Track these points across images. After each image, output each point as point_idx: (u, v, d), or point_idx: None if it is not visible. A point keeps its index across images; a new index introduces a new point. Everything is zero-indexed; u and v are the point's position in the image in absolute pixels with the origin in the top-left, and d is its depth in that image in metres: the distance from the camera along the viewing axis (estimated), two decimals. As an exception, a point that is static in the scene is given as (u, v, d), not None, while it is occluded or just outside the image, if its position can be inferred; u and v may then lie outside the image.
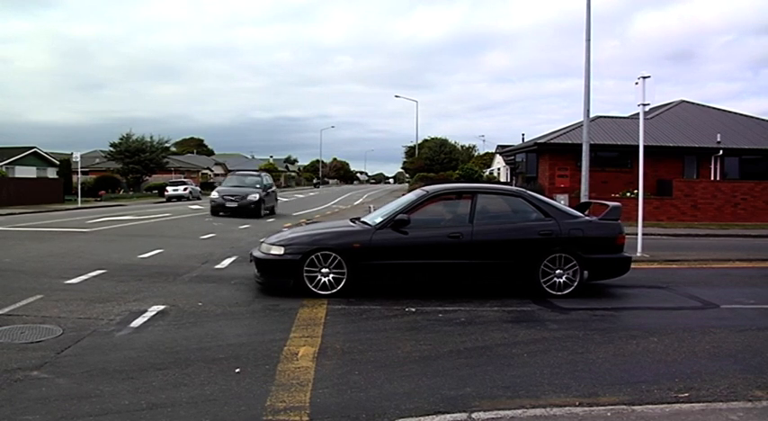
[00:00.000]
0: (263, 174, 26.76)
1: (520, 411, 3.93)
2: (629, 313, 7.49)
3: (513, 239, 7.88)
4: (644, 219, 13.23)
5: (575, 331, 6.24)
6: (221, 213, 22.45)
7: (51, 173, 43.18)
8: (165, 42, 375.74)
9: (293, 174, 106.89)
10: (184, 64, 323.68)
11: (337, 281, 7.56)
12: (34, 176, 40.71)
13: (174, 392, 4.27)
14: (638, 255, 11.86)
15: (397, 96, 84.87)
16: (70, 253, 11.28)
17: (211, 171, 76.32)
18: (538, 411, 3.93)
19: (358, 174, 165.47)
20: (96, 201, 37.39)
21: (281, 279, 7.68)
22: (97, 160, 59.21)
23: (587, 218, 8.42)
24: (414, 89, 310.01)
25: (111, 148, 51.26)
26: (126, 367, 4.78)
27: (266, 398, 4.20)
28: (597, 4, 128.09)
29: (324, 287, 7.55)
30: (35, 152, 43.72)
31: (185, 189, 42.21)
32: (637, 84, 12.36)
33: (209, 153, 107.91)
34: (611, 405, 4.09)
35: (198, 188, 46.97)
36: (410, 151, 73.16)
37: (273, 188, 26.10)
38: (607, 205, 8.51)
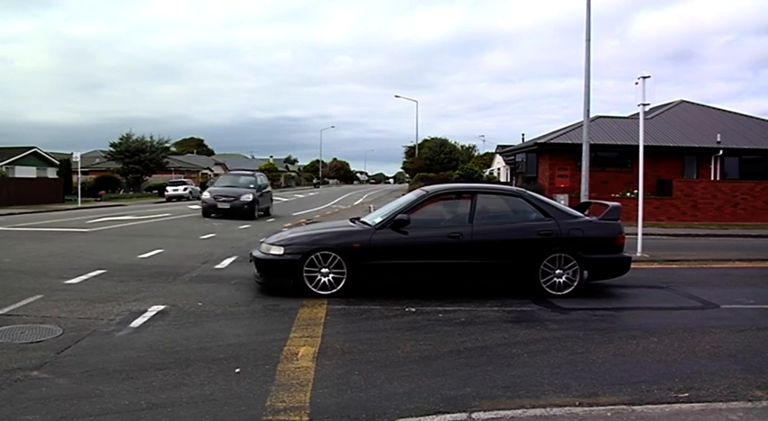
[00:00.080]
0: (257, 173, 25.59)
1: (520, 411, 3.93)
2: (629, 313, 7.49)
3: (512, 239, 7.88)
4: (644, 219, 13.23)
5: (575, 331, 6.25)
6: (213, 215, 21.55)
7: (51, 173, 43.19)
8: (165, 42, 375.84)
9: (293, 174, 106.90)
10: (184, 64, 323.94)
11: (337, 281, 7.56)
12: (34, 176, 40.72)
13: (174, 392, 4.27)
14: (638, 255, 11.86)
15: (397, 96, 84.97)
16: (70, 253, 11.29)
17: (211, 171, 76.29)
18: (538, 411, 3.93)
19: (358, 174, 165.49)
20: (96, 201, 37.41)
21: (281, 279, 7.68)
22: (97, 160, 59.23)
23: (587, 218, 8.42)
24: (414, 89, 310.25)
25: (111, 148, 51.30)
26: (126, 367, 4.78)
27: (266, 398, 4.20)
28: (597, 4, 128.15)
29: (324, 287, 7.55)
30: (35, 152, 43.74)
31: (185, 189, 42.22)
32: (637, 84, 12.36)
33: (209, 153, 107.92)
34: (611, 405, 4.09)
35: (198, 188, 46.89)
36: (410, 151, 73.20)
37: (268, 188, 25.25)
38: (607, 205, 8.51)
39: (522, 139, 41.06)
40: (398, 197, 11.09)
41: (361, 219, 8.67)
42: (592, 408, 4.01)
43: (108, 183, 48.00)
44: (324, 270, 7.56)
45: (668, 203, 24.08)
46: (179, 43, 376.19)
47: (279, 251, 7.70)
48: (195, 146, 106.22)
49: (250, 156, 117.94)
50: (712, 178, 26.02)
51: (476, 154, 73.59)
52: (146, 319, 6.29)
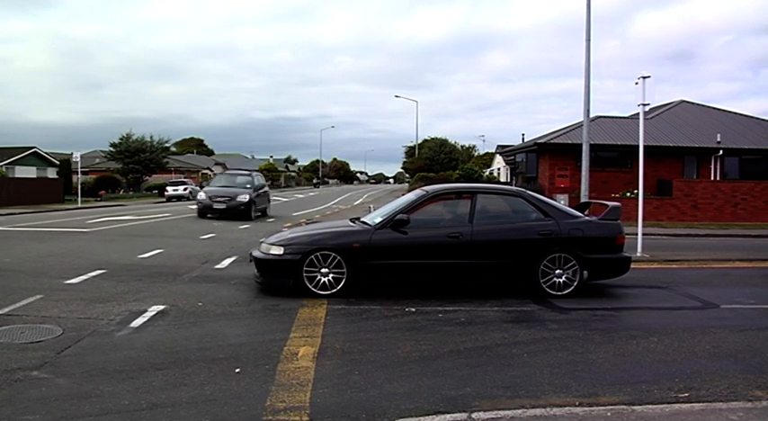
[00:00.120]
0: (254, 173, 24.89)
1: (520, 411, 3.93)
2: (629, 313, 7.49)
3: (512, 239, 7.88)
4: (644, 219, 13.23)
5: (575, 331, 6.25)
6: (209, 215, 20.93)
7: (51, 173, 43.19)
8: (165, 42, 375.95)
9: (293, 174, 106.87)
10: (184, 64, 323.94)
11: (337, 281, 7.56)
12: (34, 176, 40.72)
13: (174, 392, 4.27)
14: (638, 255, 11.86)
15: (397, 96, 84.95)
16: (70, 253, 11.28)
17: (211, 171, 76.25)
18: (538, 411, 3.93)
19: (358, 174, 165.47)
20: (96, 201, 37.41)
21: (281, 279, 7.68)
22: (97, 160, 59.24)
23: (587, 218, 8.42)
24: (414, 89, 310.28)
25: (111, 148, 51.28)
26: (126, 367, 4.78)
27: (266, 398, 4.20)
28: (597, 4, 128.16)
29: (323, 287, 7.55)
30: (35, 152, 43.74)
31: (185, 189, 42.19)
32: (637, 84, 12.36)
33: (209, 153, 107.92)
34: (611, 405, 4.09)
35: (198, 188, 46.90)
36: (410, 151, 73.19)
37: (266, 188, 24.62)
38: (607, 205, 8.51)
39: (522, 139, 41.07)
40: (398, 197, 11.09)
41: (361, 219, 8.67)
42: (592, 408, 4.01)
43: (108, 183, 48.00)
44: (324, 270, 7.56)
45: (668, 203, 24.08)
46: (179, 43, 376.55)
47: (279, 251, 7.70)
48: (195, 146, 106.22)
49: (250, 156, 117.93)
50: (712, 178, 26.02)
51: (476, 154, 73.59)
52: (146, 319, 6.29)
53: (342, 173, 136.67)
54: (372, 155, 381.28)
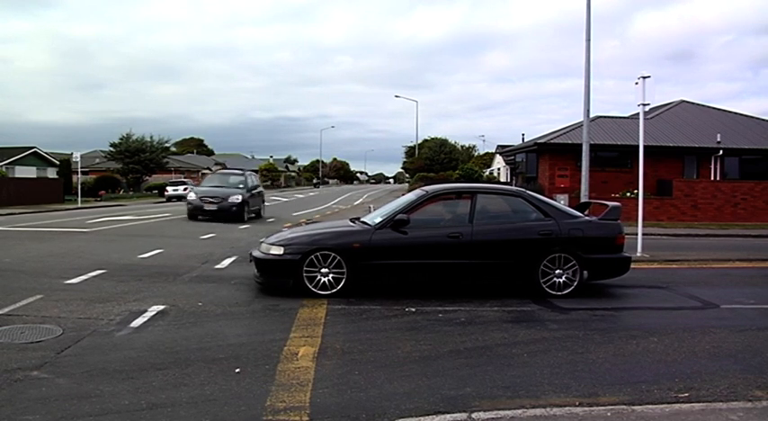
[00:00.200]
0: (247, 172, 23.71)
1: (520, 411, 3.93)
2: (629, 313, 7.49)
3: (512, 239, 7.89)
4: (644, 219, 13.23)
5: (575, 331, 6.25)
6: (200, 217, 19.86)
7: (51, 173, 43.19)
8: (165, 42, 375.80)
9: (293, 174, 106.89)
10: (184, 64, 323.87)
11: (337, 281, 7.56)
12: (34, 176, 40.71)
13: (174, 392, 4.27)
14: (638, 255, 11.86)
15: (397, 96, 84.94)
16: (70, 253, 11.29)
17: (211, 171, 76.32)
18: (538, 411, 3.93)
19: (358, 174, 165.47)
20: (96, 201, 37.40)
21: (281, 279, 7.68)
22: (97, 160, 59.25)
23: (587, 218, 8.42)
24: (414, 89, 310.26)
25: (111, 148, 51.28)
26: (126, 367, 4.78)
27: (266, 398, 4.20)
28: (597, 4, 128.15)
29: (323, 287, 7.55)
30: (35, 152, 43.74)
31: (185, 189, 42.11)
32: (637, 84, 12.36)
33: (209, 153, 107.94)
34: (611, 405, 4.09)
35: (198, 188, 46.90)
36: (410, 151, 73.19)
37: (260, 189, 23.54)
38: (607, 205, 8.51)
39: (522, 139, 41.07)
40: (398, 197, 11.09)
41: (361, 219, 8.67)
42: (592, 408, 4.01)
43: (108, 183, 47.99)
44: (324, 270, 7.56)
45: (668, 203, 24.08)
46: (179, 43, 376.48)
47: (279, 251, 7.70)
48: (195, 146, 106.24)
49: (250, 156, 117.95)
50: (712, 178, 26.02)
51: (476, 154, 73.59)
52: (146, 319, 6.29)
53: (342, 173, 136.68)
54: (372, 155, 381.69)
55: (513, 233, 7.95)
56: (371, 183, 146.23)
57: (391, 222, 7.81)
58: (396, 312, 6.90)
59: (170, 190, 41.96)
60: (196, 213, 20.12)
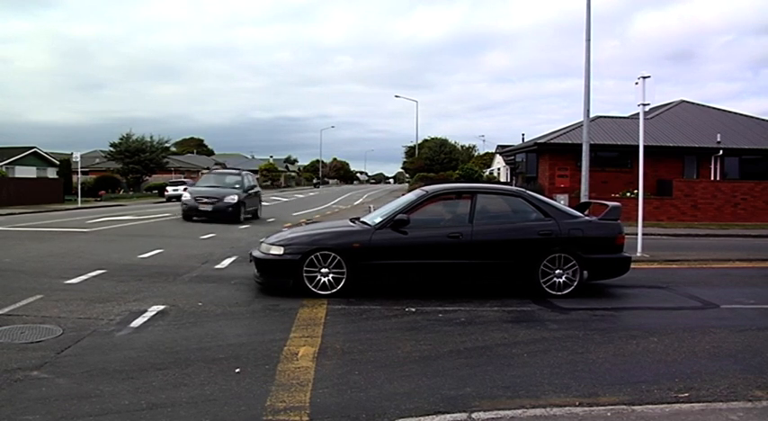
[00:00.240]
0: (243, 172, 23.00)
1: (520, 411, 3.93)
2: (629, 313, 7.49)
3: (512, 239, 7.88)
4: (644, 219, 13.23)
5: (575, 331, 6.24)
6: (195, 218, 19.32)
7: (51, 173, 43.19)
8: (165, 42, 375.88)
9: (293, 174, 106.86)
10: (184, 64, 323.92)
11: (337, 281, 7.56)
12: (34, 176, 40.71)
13: (174, 392, 4.27)
14: (638, 255, 11.86)
15: (397, 96, 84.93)
16: (70, 253, 11.28)
17: (210, 171, 76.27)
18: (538, 411, 3.93)
19: (358, 174, 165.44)
20: (96, 201, 37.40)
21: (281, 279, 7.68)
22: (97, 160, 59.24)
23: (587, 218, 8.42)
24: (414, 89, 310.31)
25: (111, 148, 51.26)
26: (126, 367, 4.78)
27: (266, 398, 4.20)
28: (597, 4, 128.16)
29: (323, 287, 7.55)
30: (35, 152, 43.73)
31: (185, 189, 42.12)
32: (637, 84, 12.36)
33: (209, 153, 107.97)
34: (611, 405, 4.09)
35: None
36: (410, 151, 73.18)
37: (257, 189, 22.79)
38: (607, 205, 8.51)
39: (522, 139, 41.07)
40: (398, 197, 11.09)
41: (361, 219, 8.67)
42: (592, 408, 4.01)
43: (108, 183, 47.98)
44: (324, 270, 7.56)
45: (668, 203, 24.08)
46: (179, 43, 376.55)
47: (279, 251, 7.70)
48: (195, 146, 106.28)
49: (250, 156, 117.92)
50: (712, 178, 26.02)
51: (476, 154, 73.59)
52: (146, 319, 6.29)
53: (342, 173, 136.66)
54: (372, 155, 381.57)
55: (513, 233, 7.94)
56: (371, 184, 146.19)
57: (391, 222, 7.81)
58: (396, 312, 6.90)
59: (170, 190, 41.90)
60: (191, 214, 19.56)
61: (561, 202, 13.99)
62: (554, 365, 5.04)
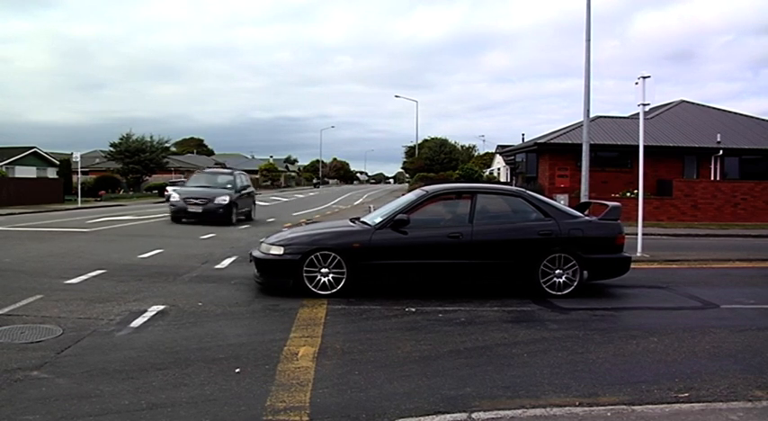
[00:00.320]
0: (236, 172, 21.93)
1: (520, 411, 3.93)
2: (629, 313, 7.49)
3: (512, 239, 7.88)
4: (644, 219, 13.23)
5: (575, 331, 6.24)
6: (184, 220, 18.41)
7: (51, 173, 43.18)
8: (165, 42, 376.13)
9: (293, 174, 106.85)
10: (184, 64, 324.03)
11: (337, 281, 7.56)
12: (34, 176, 40.70)
13: (174, 392, 4.27)
14: (638, 255, 11.86)
15: (397, 96, 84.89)
16: (70, 253, 11.28)
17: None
18: (538, 411, 3.93)
19: (358, 174, 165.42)
20: (96, 201, 37.38)
21: (281, 279, 7.68)
22: (97, 160, 59.22)
23: (587, 218, 8.42)
24: (414, 89, 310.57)
25: (111, 148, 51.21)
26: (126, 367, 4.78)
27: (266, 398, 4.20)
28: (597, 4, 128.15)
29: (323, 287, 7.55)
30: (35, 152, 43.73)
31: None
32: (637, 84, 12.36)
33: (210, 153, 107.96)
34: (611, 405, 4.09)
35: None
36: (410, 151, 73.18)
37: (250, 189, 21.82)
38: (607, 205, 8.51)
39: (522, 139, 41.06)
40: (398, 197, 11.09)
41: (361, 219, 8.67)
42: (592, 408, 4.01)
43: (108, 183, 47.95)
44: (324, 270, 7.56)
45: (668, 203, 24.07)
46: (179, 43, 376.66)
47: (279, 251, 7.70)
48: (195, 146, 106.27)
49: (250, 156, 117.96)
50: (712, 178, 26.02)
51: (476, 154, 73.59)
52: (146, 319, 6.29)
53: (342, 173, 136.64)
54: (372, 155, 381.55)
55: (513, 233, 7.94)
56: (371, 183, 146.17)
57: (391, 222, 7.81)
58: (396, 312, 6.90)
59: (170, 190, 41.90)
60: (180, 215, 18.60)
61: (561, 202, 13.99)
62: (554, 365, 5.04)
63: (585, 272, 7.93)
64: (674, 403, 4.16)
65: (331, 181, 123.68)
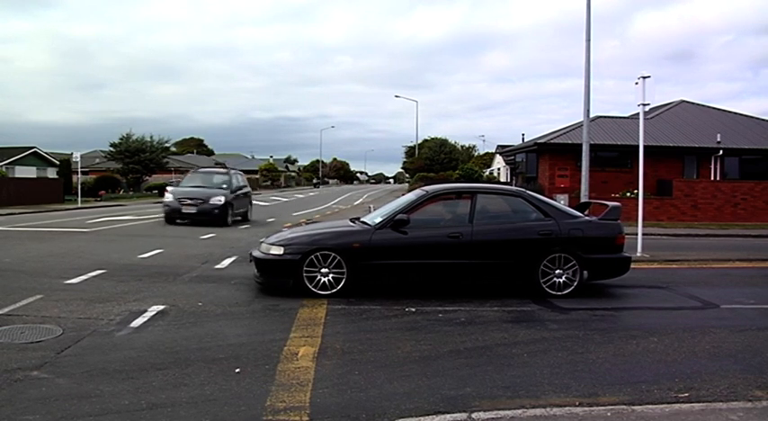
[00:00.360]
0: (232, 171, 21.24)
1: (520, 411, 3.93)
2: (629, 313, 7.49)
3: (512, 239, 7.88)
4: (644, 219, 13.23)
5: (575, 331, 6.24)
6: (178, 221, 17.95)
7: (51, 173, 43.17)
8: (165, 42, 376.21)
9: (293, 174, 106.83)
10: (184, 64, 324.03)
11: (337, 281, 7.56)
12: (34, 176, 40.69)
13: (174, 392, 4.27)
14: (638, 255, 11.86)
15: (397, 96, 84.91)
16: (70, 253, 11.28)
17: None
18: (538, 411, 3.93)
19: (358, 174, 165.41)
20: (96, 201, 37.36)
21: (281, 279, 7.68)
22: (97, 160, 59.21)
23: (587, 218, 8.42)
24: (414, 89, 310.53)
25: (111, 148, 51.20)
26: (126, 367, 4.78)
27: (266, 398, 4.20)
28: (597, 4, 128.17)
29: (323, 287, 7.55)
30: (35, 152, 43.73)
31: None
32: (637, 84, 12.36)
33: (210, 153, 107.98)
34: (611, 405, 4.09)
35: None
36: (410, 151, 73.17)
37: (246, 189, 21.16)
38: (607, 205, 8.51)
39: (522, 139, 41.07)
40: (398, 197, 11.09)
41: (361, 219, 8.67)
42: (592, 408, 4.01)
43: (108, 183, 47.93)
44: (324, 270, 7.56)
45: (668, 203, 24.07)
46: (179, 43, 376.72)
47: (279, 251, 7.70)
48: (195, 146, 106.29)
49: (250, 156, 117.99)
50: (712, 178, 26.02)
51: (476, 154, 73.59)
52: (146, 319, 6.29)
53: (342, 173, 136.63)
54: (372, 155, 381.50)
55: (513, 233, 7.94)
56: (371, 183, 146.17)
57: (391, 222, 7.81)
58: (396, 312, 6.90)
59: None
60: (173, 216, 18.06)
61: (561, 202, 13.99)
62: (554, 365, 5.04)
63: (585, 272, 7.93)
64: (674, 403, 4.17)
65: (331, 181, 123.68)
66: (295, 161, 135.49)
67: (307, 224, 11.31)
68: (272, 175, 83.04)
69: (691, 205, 24.09)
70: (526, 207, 8.21)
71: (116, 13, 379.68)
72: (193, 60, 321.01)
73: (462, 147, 69.88)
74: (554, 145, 26.22)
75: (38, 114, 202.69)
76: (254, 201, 23.06)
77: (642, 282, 9.18)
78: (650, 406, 4.08)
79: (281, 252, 7.67)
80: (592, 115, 19.01)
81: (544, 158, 27.06)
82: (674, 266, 11.32)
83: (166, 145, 56.42)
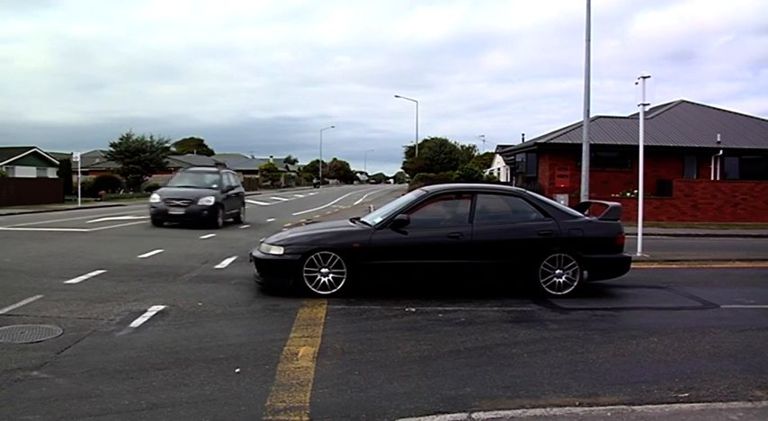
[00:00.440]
0: (223, 170, 20.33)
1: (520, 411, 3.93)
2: (629, 313, 7.49)
3: (512, 239, 7.88)
4: (644, 219, 13.23)
5: (575, 331, 6.24)
6: (165, 223, 17.22)
7: (51, 173, 43.18)
8: (165, 42, 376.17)
9: (293, 174, 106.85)
10: (184, 64, 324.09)
11: (337, 281, 7.56)
12: (34, 176, 40.70)
13: (174, 392, 4.27)
14: (638, 255, 11.86)
15: (397, 96, 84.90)
16: (70, 253, 11.28)
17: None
18: (538, 411, 3.93)
19: (358, 174, 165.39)
20: (96, 201, 37.37)
21: (281, 279, 7.68)
22: (97, 160, 59.21)
23: (587, 218, 8.42)
24: (414, 89, 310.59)
25: (111, 148, 51.19)
26: (126, 367, 4.78)
27: (266, 398, 4.20)
28: (597, 4, 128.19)
29: (323, 287, 7.55)
30: (35, 152, 43.74)
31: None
32: (637, 84, 12.36)
33: (210, 153, 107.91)
34: (611, 405, 4.09)
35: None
36: (410, 151, 73.18)
37: (238, 189, 20.25)
38: (607, 205, 8.51)
39: (522, 139, 41.06)
40: (398, 197, 11.09)
41: (361, 219, 8.67)
42: (592, 408, 4.01)
43: (108, 183, 47.92)
44: (324, 270, 7.56)
45: (668, 203, 24.07)
46: (179, 43, 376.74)
47: (279, 251, 7.70)
48: (195, 146, 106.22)
49: (250, 156, 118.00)
50: (712, 178, 26.02)
51: (476, 154, 73.60)
52: (146, 319, 6.29)
53: (342, 173, 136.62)
54: (372, 155, 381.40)
55: (513, 233, 7.94)
56: (371, 183, 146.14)
57: (391, 222, 7.81)
58: (396, 312, 6.90)
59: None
60: (160, 219, 17.27)
61: (561, 202, 14.00)
62: (554, 365, 5.04)
63: (585, 272, 7.93)
64: (674, 403, 4.17)
65: (331, 181, 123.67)
66: (295, 161, 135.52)
67: (307, 224, 11.32)
68: (272, 175, 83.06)
69: (691, 205, 24.09)
70: (526, 207, 8.21)
71: (116, 13, 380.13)
72: (193, 60, 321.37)
73: (462, 147, 69.91)
74: (554, 145, 26.22)
75: (38, 114, 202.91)
76: (253, 202, 23.16)
77: (642, 282, 9.18)
78: (650, 406, 4.08)
79: (281, 252, 7.67)
80: (592, 115, 19.02)
81: (544, 158, 27.06)
82: (674, 266, 11.32)
83: (166, 145, 56.41)
